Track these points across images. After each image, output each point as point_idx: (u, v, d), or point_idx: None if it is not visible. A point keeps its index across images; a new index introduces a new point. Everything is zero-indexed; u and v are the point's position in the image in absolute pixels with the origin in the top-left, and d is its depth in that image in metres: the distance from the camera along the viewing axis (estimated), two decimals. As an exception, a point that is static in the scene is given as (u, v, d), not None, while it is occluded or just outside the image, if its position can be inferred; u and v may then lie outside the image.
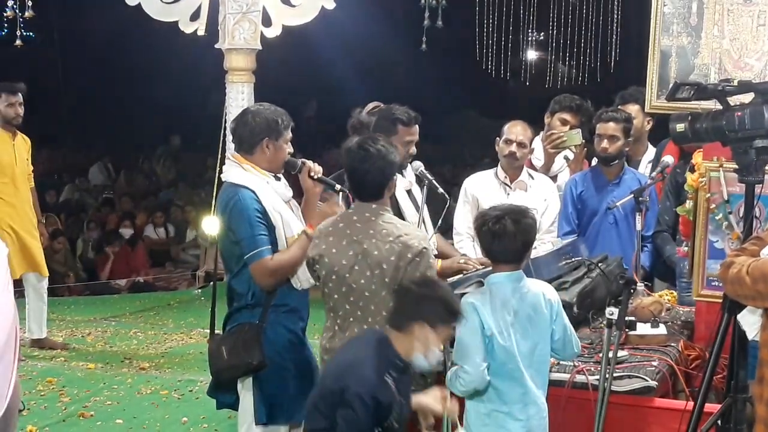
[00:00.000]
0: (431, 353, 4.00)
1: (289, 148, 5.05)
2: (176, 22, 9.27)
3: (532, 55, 13.92)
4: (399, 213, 5.65)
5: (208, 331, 5.48)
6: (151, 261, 14.50)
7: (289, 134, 5.04)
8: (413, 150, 5.79)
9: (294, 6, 9.29)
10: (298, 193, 5.17)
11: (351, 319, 4.57)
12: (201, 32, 9.11)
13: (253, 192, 4.85)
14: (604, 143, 6.55)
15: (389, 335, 4.03)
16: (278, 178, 5.06)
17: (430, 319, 3.97)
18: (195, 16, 9.18)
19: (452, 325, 4.11)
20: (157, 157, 19.26)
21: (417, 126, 5.79)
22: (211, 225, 6.38)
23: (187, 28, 9.25)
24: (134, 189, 17.82)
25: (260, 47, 9.33)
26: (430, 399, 4.19)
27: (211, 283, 12.20)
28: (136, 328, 10.06)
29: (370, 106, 6.82)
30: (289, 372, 4.92)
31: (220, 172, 5.28)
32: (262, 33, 9.26)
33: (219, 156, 7.81)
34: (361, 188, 4.68)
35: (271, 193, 4.92)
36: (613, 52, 11.26)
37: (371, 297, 4.51)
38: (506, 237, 4.29)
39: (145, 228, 15.15)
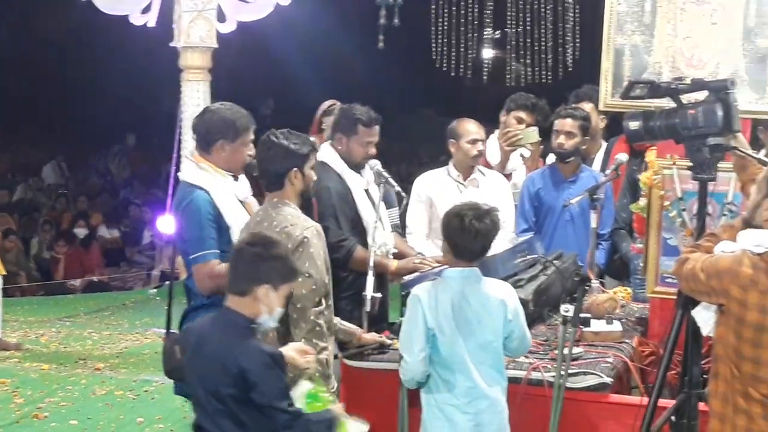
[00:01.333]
0: (276, 313, 3.99)
1: (250, 151, 5.02)
2: (126, 17, 9.23)
3: (488, 53, 13.97)
4: (356, 212, 5.65)
5: (164, 330, 5.44)
6: (105, 261, 14.40)
7: (248, 137, 5.00)
8: (373, 151, 5.78)
9: (249, 2, 9.26)
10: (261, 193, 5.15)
11: None
12: (151, 24, 9.06)
13: (208, 192, 4.82)
14: (561, 139, 6.60)
15: (231, 302, 3.97)
16: (236, 179, 5.03)
17: (271, 280, 3.94)
18: (146, 10, 9.14)
19: (293, 282, 4.10)
20: (112, 155, 19.12)
21: (378, 127, 5.78)
22: (166, 224, 6.33)
23: (138, 20, 9.20)
24: (89, 188, 17.68)
25: (216, 45, 9.30)
26: (292, 351, 4.15)
27: (167, 282, 12.16)
28: (91, 328, 10.00)
29: (326, 104, 6.80)
30: None
31: (176, 170, 5.25)
32: (217, 30, 9.23)
33: (174, 155, 7.76)
34: (261, 177, 4.72)
35: (227, 194, 4.89)
36: (569, 51, 11.33)
37: None
38: (480, 235, 4.36)
39: (99, 227, 15.04)
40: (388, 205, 5.93)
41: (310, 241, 4.51)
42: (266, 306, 3.94)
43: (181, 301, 5.15)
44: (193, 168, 4.95)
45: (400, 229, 6.24)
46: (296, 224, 4.53)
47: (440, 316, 4.33)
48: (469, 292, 4.39)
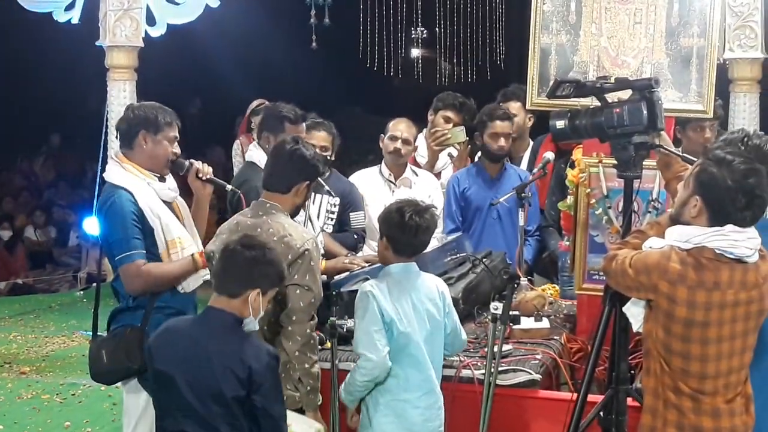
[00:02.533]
0: (259, 316, 4.00)
1: (176, 149, 4.97)
2: (51, 14, 9.11)
3: (417, 52, 13.99)
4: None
5: (91, 333, 5.38)
6: (31, 263, 14.18)
7: (171, 132, 4.94)
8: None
9: (178, 4, 9.18)
10: (190, 193, 5.12)
11: None
12: (75, 20, 8.95)
13: (131, 194, 4.76)
14: (501, 141, 6.61)
15: (219, 303, 3.96)
16: (163, 179, 4.97)
17: (262, 284, 3.96)
18: (70, 7, 9.02)
19: (279, 288, 4.14)
20: (37, 156, 18.82)
21: (304, 124, 5.79)
22: (92, 226, 6.24)
23: (62, 17, 9.08)
24: (14, 190, 17.39)
25: (142, 44, 9.20)
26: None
27: (94, 284, 12.00)
28: (16, 331, 9.83)
29: (255, 103, 6.78)
30: None
31: (102, 171, 5.18)
32: (146, 32, 9.15)
33: (100, 155, 7.67)
34: (270, 175, 4.70)
35: (151, 195, 4.82)
36: (497, 50, 11.39)
37: None
38: (421, 231, 4.42)
39: (24, 229, 14.83)
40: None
41: (311, 253, 4.49)
42: (254, 309, 3.94)
43: (109, 303, 5.09)
44: (117, 168, 4.89)
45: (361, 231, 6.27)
46: (296, 235, 4.50)
47: (398, 307, 4.36)
48: (417, 284, 4.43)
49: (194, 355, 3.90)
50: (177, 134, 4.99)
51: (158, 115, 4.90)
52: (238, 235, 4.49)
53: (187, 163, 5.00)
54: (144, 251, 4.72)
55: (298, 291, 4.43)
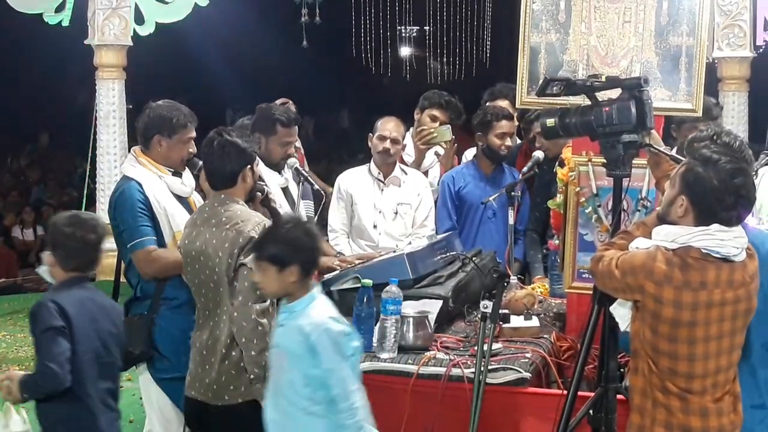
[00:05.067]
0: None
1: (191, 148, 5.08)
2: (40, 15, 9.09)
3: (406, 51, 14.02)
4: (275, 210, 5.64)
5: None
6: (20, 262, 14.15)
7: (188, 134, 5.07)
8: (292, 150, 5.79)
9: (167, 3, 9.18)
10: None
11: (207, 312, 4.55)
12: (66, 23, 8.95)
13: (139, 184, 4.89)
14: (508, 141, 6.63)
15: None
16: (178, 174, 5.08)
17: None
18: (60, 8, 9.01)
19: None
20: (25, 155, 18.79)
21: (297, 127, 5.80)
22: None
23: (52, 19, 9.07)
24: (2, 189, 17.36)
25: (131, 43, 9.19)
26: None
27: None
28: (6, 330, 9.80)
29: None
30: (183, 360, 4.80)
31: (92, 170, 5.26)
32: (135, 31, 9.14)
33: (89, 154, 7.66)
34: (211, 175, 4.69)
35: (160, 187, 4.95)
36: (486, 49, 11.42)
37: (215, 288, 4.49)
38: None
39: (12, 228, 14.80)
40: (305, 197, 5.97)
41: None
42: None
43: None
44: (132, 162, 5.03)
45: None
46: (247, 220, 4.51)
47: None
48: None
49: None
50: (193, 134, 5.10)
51: (173, 118, 5.03)
52: (196, 230, 4.56)
53: (200, 163, 5.06)
54: (154, 237, 4.84)
55: (245, 272, 4.40)
